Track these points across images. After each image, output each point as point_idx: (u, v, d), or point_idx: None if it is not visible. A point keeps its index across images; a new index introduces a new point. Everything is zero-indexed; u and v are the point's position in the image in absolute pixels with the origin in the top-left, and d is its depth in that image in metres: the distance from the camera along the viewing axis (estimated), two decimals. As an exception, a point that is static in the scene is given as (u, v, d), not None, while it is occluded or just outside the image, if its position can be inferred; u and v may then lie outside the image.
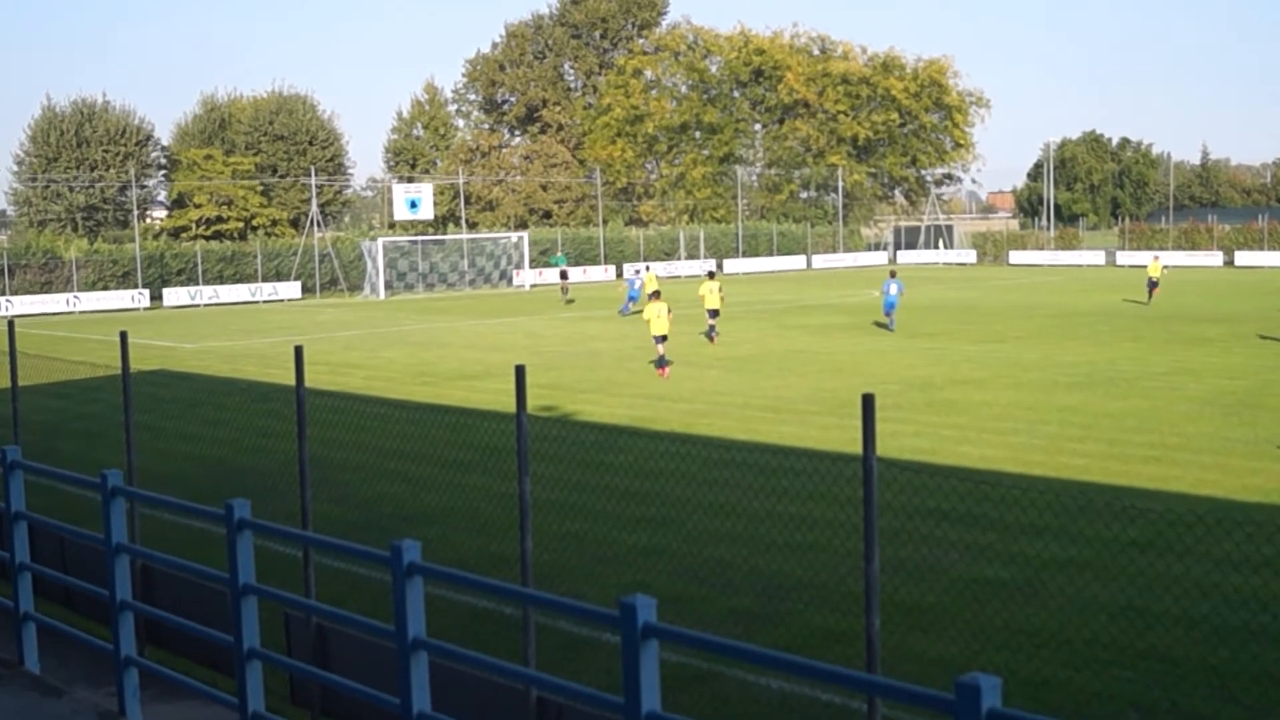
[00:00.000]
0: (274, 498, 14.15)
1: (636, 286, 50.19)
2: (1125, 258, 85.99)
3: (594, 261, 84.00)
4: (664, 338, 31.42)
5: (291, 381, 10.65)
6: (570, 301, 58.11)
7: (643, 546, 14.22)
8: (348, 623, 7.57)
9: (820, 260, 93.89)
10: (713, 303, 38.32)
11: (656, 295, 33.89)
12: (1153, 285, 50.72)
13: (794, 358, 33.80)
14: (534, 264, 77.73)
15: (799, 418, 23.42)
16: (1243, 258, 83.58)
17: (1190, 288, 59.34)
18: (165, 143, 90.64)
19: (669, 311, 31.95)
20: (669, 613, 8.95)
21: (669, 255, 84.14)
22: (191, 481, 17.78)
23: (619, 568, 13.39)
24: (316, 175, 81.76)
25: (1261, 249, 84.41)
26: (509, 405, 9.67)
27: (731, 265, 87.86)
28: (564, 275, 61.56)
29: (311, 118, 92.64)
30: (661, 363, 31.07)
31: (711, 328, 38.80)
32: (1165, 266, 49.90)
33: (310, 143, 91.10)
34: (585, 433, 20.14)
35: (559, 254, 64.46)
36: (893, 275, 43.16)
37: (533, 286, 74.67)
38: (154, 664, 9.19)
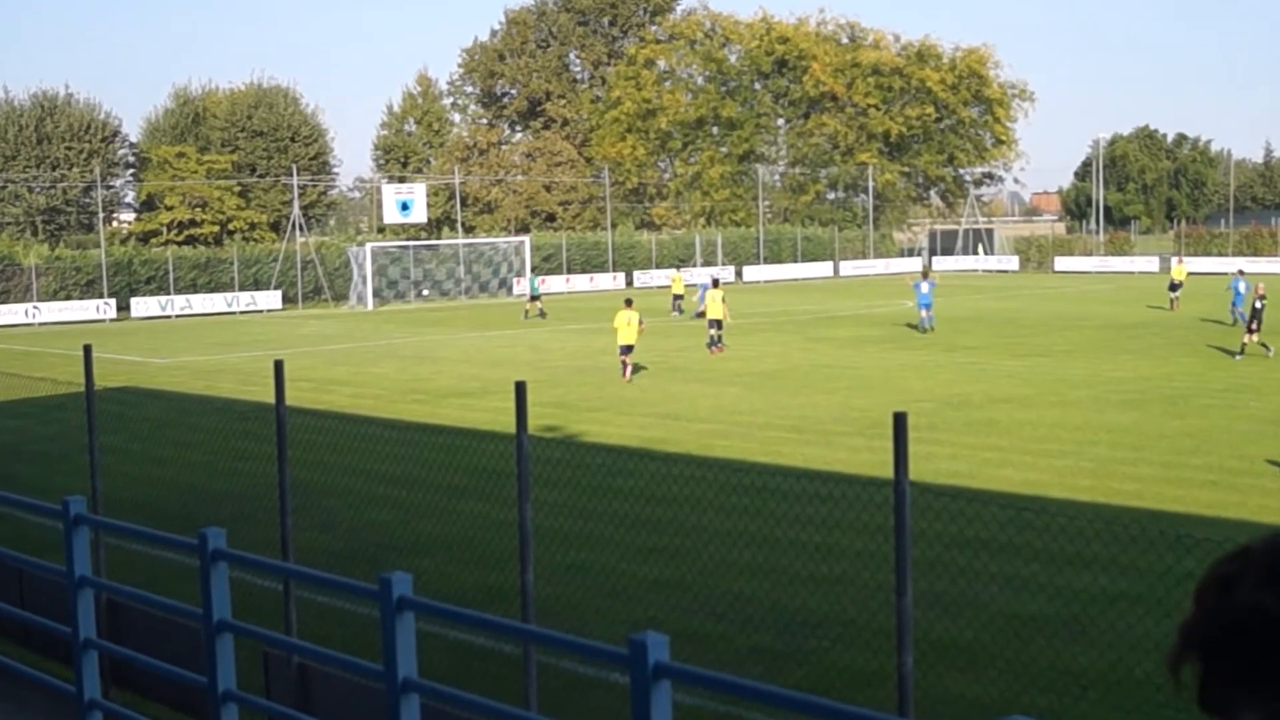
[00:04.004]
0: (252, 526, 14.18)
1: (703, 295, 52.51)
2: (1171, 265, 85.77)
3: (602, 269, 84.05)
4: (630, 348, 33.51)
5: (271, 399, 10.68)
6: (542, 315, 58.18)
7: (655, 579, 14.21)
8: (332, 662, 7.59)
9: (849, 267, 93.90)
10: (715, 312, 39.20)
11: (629, 303, 35.52)
12: (1174, 289, 51.15)
13: (820, 373, 33.80)
14: (535, 271, 77.86)
15: (825, 439, 23.42)
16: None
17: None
18: (134, 139, 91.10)
19: (640, 321, 33.88)
20: (683, 651, 8.96)
21: (684, 262, 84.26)
22: (162, 508, 17.81)
23: (628, 602, 13.39)
24: (299, 175, 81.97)
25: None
26: (509, 425, 9.69)
27: (752, 272, 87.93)
28: (535, 298, 61.65)
29: (294, 112, 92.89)
30: (626, 368, 33.38)
31: (714, 338, 39.74)
32: (1189, 273, 50.18)
33: (292, 139, 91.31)
34: (592, 455, 20.16)
35: (532, 275, 65.30)
36: (925, 275, 43.77)
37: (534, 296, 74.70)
38: (120, 707, 9.20)
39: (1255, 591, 1.58)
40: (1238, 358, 34.71)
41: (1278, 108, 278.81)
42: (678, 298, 59.16)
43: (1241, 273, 49.03)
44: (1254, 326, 35.89)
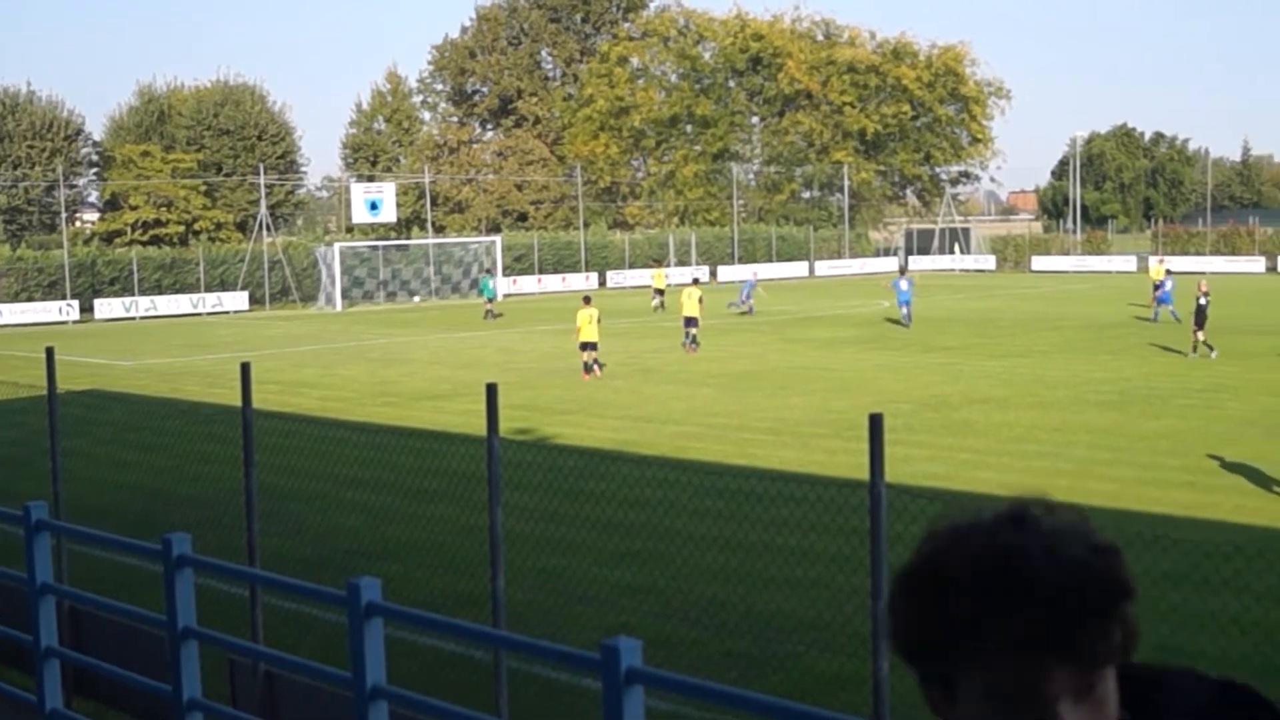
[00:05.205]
0: (218, 531, 14.12)
1: (749, 290, 56.48)
2: (1151, 264, 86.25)
3: (574, 269, 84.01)
4: (592, 345, 34.10)
5: (238, 402, 10.64)
6: (498, 316, 58.88)
7: (628, 584, 14.20)
8: (299, 669, 7.56)
9: (824, 267, 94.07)
10: (691, 310, 39.56)
11: (587, 301, 36.09)
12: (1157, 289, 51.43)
13: (796, 374, 33.85)
14: (507, 272, 77.80)
15: (801, 441, 23.45)
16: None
17: (1230, 296, 59.50)
18: (97, 138, 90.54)
19: (598, 319, 34.58)
20: (656, 656, 8.94)
21: (657, 261, 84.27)
22: (126, 514, 17.72)
23: (601, 607, 13.38)
24: (266, 174, 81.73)
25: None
26: (480, 428, 9.67)
27: (726, 272, 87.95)
28: (489, 300, 61.91)
29: (261, 110, 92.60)
30: (587, 368, 34.10)
31: (690, 337, 40.34)
32: (1169, 271, 50.47)
33: (259, 138, 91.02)
34: (564, 458, 20.15)
35: (485, 277, 65.47)
36: (902, 272, 44.59)
37: (507, 296, 74.69)
38: (83, 717, 9.15)
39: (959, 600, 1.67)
40: (1190, 357, 34.95)
41: (1255, 106, 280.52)
42: (659, 292, 60.80)
43: (1169, 271, 49.47)
44: (1198, 324, 36.12)
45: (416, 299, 74.72)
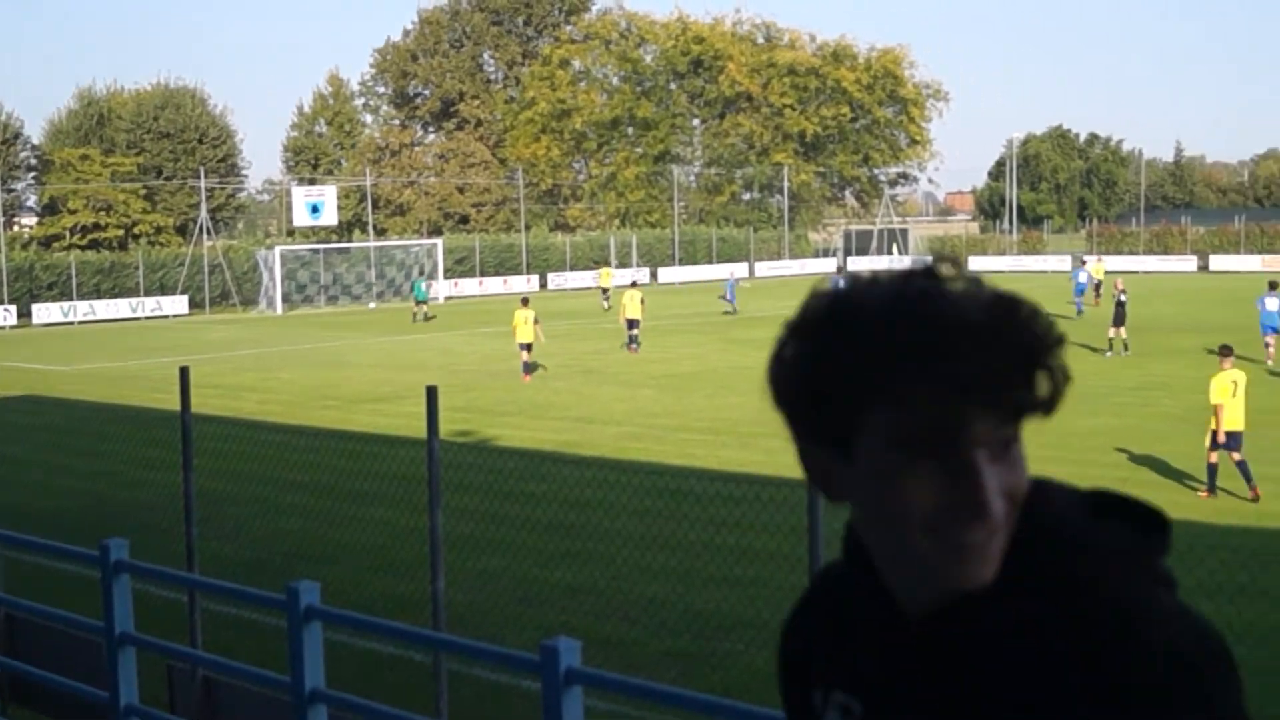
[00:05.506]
0: (157, 536, 14.03)
1: (731, 288, 57.92)
2: (1090, 262, 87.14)
3: (515, 271, 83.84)
4: (529, 345, 34.54)
5: (177, 407, 10.57)
6: (430, 319, 59.22)
7: (568, 584, 14.22)
8: (238, 674, 7.53)
9: (764, 268, 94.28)
10: (633, 311, 39.77)
11: (525, 302, 36.43)
12: (1097, 286, 52.12)
13: (737, 375, 33.92)
14: (448, 274, 77.58)
15: (741, 440, 23.51)
16: (1218, 262, 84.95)
17: (1163, 295, 60.17)
18: (36, 141, 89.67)
19: (536, 320, 34.86)
20: (596, 656, 8.96)
21: (598, 263, 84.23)
22: (64, 519, 17.57)
23: (541, 608, 13.39)
24: (207, 177, 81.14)
25: (1238, 253, 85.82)
26: (420, 430, 9.66)
27: (667, 274, 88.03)
28: (420, 302, 61.86)
29: (201, 113, 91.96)
30: (527, 369, 34.52)
31: (631, 338, 40.63)
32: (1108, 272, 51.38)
33: (200, 141, 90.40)
34: (505, 460, 20.15)
35: (418, 280, 65.61)
36: (840, 272, 44.57)
37: (448, 299, 74.48)
38: (20, 723, 9.07)
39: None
40: (1107, 355, 35.39)
41: (1188, 107, 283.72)
42: (604, 291, 62.26)
43: (1083, 262, 50.03)
44: (1116, 322, 36.57)
45: (373, 305, 74.17)
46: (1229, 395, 18.74)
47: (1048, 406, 1.50)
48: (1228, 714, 1.47)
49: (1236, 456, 18.37)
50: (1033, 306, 1.49)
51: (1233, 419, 18.62)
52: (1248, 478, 18.23)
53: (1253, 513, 17.47)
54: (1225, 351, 19.83)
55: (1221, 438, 18.35)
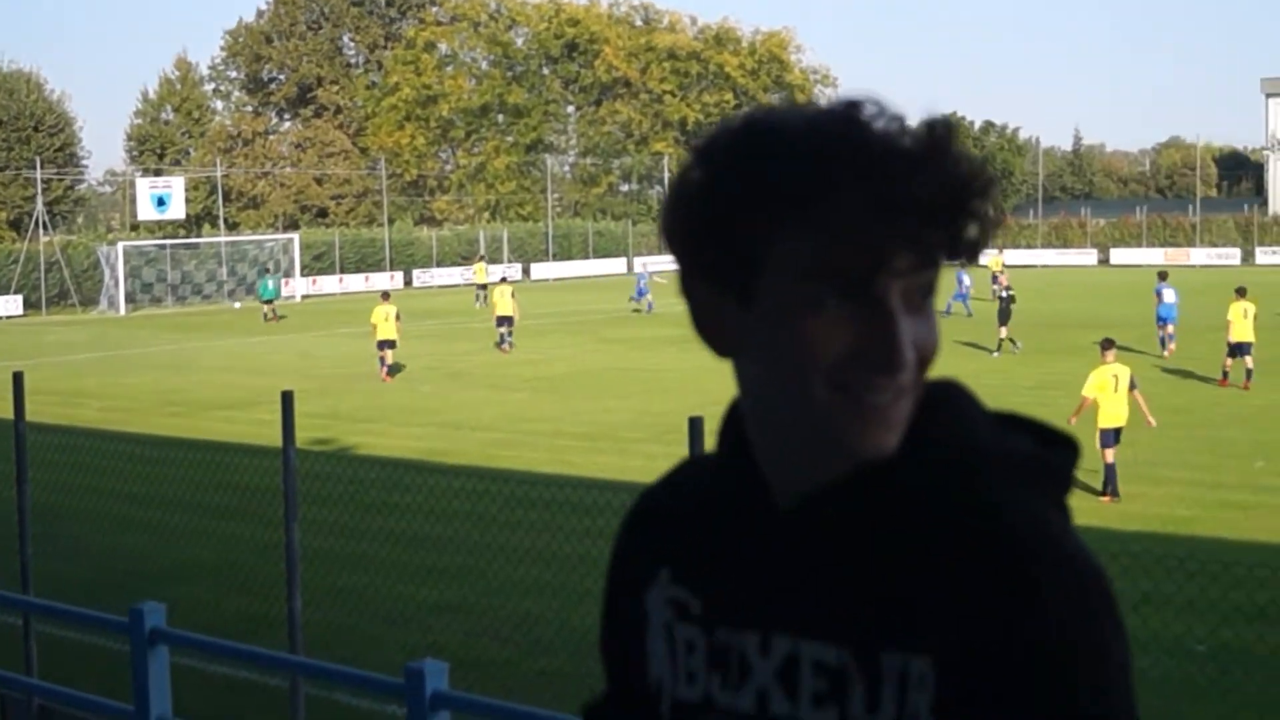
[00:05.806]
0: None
1: (644, 284, 59.13)
2: (987, 256, 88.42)
3: (378, 267, 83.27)
4: (392, 343, 34.62)
5: (10, 415, 10.41)
6: (281, 318, 59.01)
7: (435, 602, 14.17)
8: (78, 704, 7.44)
9: (643, 264, 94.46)
10: (505, 309, 39.78)
11: (385, 296, 36.77)
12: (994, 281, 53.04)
13: (615, 377, 34.04)
14: (305, 271, 76.93)
15: (619, 446, 23.61)
16: (1119, 255, 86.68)
17: (1063, 290, 61.32)
18: None
19: (398, 317, 34.92)
20: (466, 679, 8.95)
21: (466, 259, 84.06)
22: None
23: (406, 628, 13.34)
24: (43, 167, 79.75)
25: (1140, 245, 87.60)
26: (275, 438, 9.61)
27: (540, 269, 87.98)
28: (268, 301, 61.34)
29: (37, 99, 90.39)
30: (386, 367, 34.58)
31: (502, 337, 40.73)
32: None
33: (35, 129, 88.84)
34: (366, 469, 20.04)
35: (265, 277, 64.90)
36: None
37: (305, 297, 73.84)
38: None
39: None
40: (994, 355, 36.13)
41: (1087, 94, 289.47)
42: (481, 288, 62.17)
43: (964, 263, 50.88)
44: (1002, 320, 37.32)
45: (238, 305, 72.90)
46: (1109, 390, 19.18)
47: (973, 250, 1.48)
48: (1126, 645, 1.46)
49: (1110, 456, 18.78)
50: (964, 145, 1.44)
51: (1112, 415, 19.04)
52: (1111, 479, 18.67)
53: (1156, 517, 17.87)
54: (1107, 345, 20.35)
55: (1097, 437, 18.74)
